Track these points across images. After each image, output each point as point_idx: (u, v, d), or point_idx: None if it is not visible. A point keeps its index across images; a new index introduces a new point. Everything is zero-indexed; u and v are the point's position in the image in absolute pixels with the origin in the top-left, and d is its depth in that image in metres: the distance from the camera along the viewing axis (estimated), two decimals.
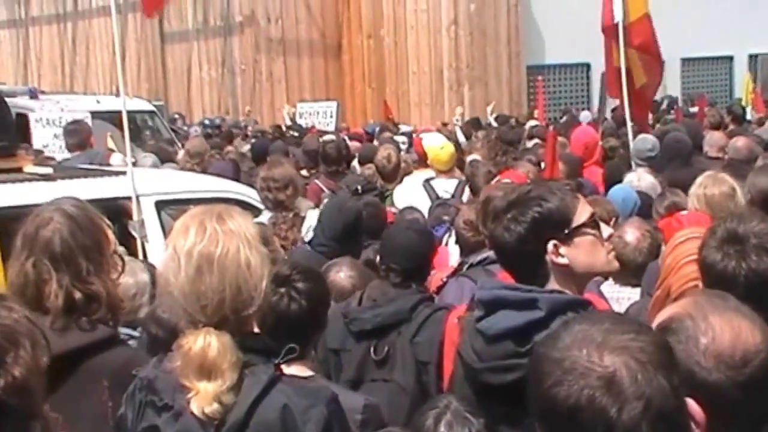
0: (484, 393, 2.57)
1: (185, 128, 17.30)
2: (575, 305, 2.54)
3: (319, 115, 18.89)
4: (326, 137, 14.49)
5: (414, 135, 13.17)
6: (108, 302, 2.81)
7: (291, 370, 2.76)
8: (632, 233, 4.72)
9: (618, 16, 9.31)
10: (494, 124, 15.12)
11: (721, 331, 1.65)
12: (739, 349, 1.65)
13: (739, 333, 1.68)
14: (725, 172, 6.59)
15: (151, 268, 4.59)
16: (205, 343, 2.24)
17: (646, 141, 8.34)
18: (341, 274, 4.23)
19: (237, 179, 7.86)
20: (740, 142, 8.08)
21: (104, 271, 2.84)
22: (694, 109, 16.68)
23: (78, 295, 2.75)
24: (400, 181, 8.21)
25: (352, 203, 5.40)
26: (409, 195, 7.46)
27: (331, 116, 19.30)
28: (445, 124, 15.13)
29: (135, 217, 5.71)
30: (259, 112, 22.02)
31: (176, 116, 19.78)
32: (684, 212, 4.25)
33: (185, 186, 6.34)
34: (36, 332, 1.63)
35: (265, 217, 5.80)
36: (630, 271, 4.63)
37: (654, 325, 1.73)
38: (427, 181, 7.53)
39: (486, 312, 2.60)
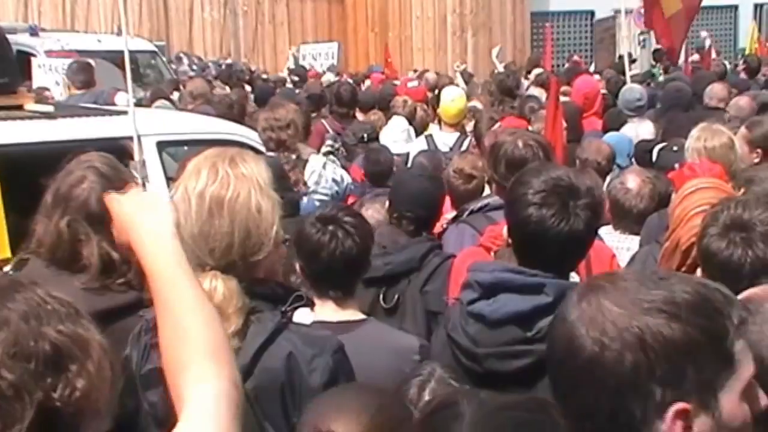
0: (480, 378, 2.47)
1: (192, 68, 17.08)
2: None
3: (321, 57, 18.77)
4: (325, 78, 14.41)
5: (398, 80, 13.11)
6: (138, 266, 2.77)
7: (344, 314, 2.88)
8: (633, 180, 4.72)
9: None
10: (500, 68, 14.97)
11: None
12: None
13: None
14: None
15: None
16: (211, 286, 2.21)
17: (633, 91, 8.32)
18: (370, 212, 4.25)
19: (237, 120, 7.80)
20: (742, 100, 8.02)
21: None
22: (695, 57, 16.51)
23: (114, 256, 2.69)
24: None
25: None
26: (408, 144, 7.50)
27: (333, 57, 19.13)
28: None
29: (136, 157, 5.64)
30: (262, 55, 21.90)
31: (181, 55, 19.57)
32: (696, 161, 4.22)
33: (186, 127, 6.28)
34: (105, 357, 1.53)
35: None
36: (631, 219, 4.62)
37: None
38: (430, 134, 7.66)
39: (484, 294, 2.51)
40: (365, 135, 8.03)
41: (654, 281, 1.37)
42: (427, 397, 2.31)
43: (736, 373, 1.35)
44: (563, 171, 2.56)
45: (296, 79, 14.85)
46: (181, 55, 19.64)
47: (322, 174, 5.83)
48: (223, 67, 17.75)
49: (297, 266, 2.96)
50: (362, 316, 2.99)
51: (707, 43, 16.88)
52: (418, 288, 3.73)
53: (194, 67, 17.53)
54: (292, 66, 17.23)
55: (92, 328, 1.54)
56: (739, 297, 1.71)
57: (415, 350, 2.89)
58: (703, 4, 23.82)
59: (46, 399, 1.41)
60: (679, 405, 1.32)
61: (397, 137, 7.61)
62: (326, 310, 2.92)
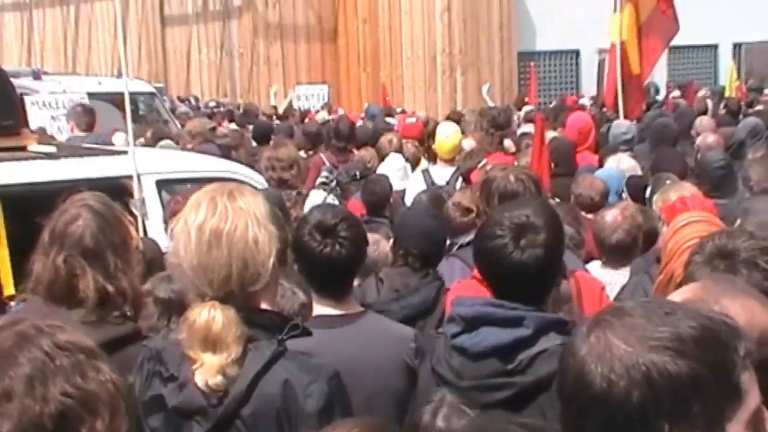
0: None
1: (189, 110, 17.18)
2: (560, 324, 2.53)
3: (313, 98, 18.98)
4: (319, 116, 14.50)
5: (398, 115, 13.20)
6: (132, 298, 2.81)
7: (343, 307, 2.98)
8: (611, 213, 4.78)
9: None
10: (490, 104, 15.11)
11: (735, 314, 1.62)
12: (755, 329, 1.63)
13: (753, 314, 1.67)
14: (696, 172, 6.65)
15: (150, 244, 4.59)
16: (210, 316, 2.24)
17: (621, 126, 8.57)
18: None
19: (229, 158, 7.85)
20: (711, 138, 8.16)
21: (129, 266, 2.85)
22: (676, 93, 16.67)
23: (111, 289, 2.75)
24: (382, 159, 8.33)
25: None
26: (404, 181, 7.55)
27: (323, 98, 19.33)
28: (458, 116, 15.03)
29: (136, 195, 5.69)
30: (257, 94, 21.96)
31: (187, 98, 19.75)
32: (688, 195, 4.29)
33: (185, 166, 6.32)
34: (119, 399, 1.50)
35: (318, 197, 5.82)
36: (609, 251, 4.66)
37: None
38: (426, 169, 7.72)
39: (466, 328, 2.54)
40: (357, 173, 8.09)
41: (660, 316, 1.37)
42: (439, 423, 2.34)
43: (743, 405, 1.35)
44: (529, 209, 2.62)
45: (277, 120, 14.97)
46: (175, 98, 19.83)
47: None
48: (231, 108, 17.87)
49: (296, 267, 3.03)
50: (361, 309, 3.10)
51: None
52: (433, 328, 3.76)
53: (190, 107, 17.64)
54: (286, 106, 17.30)
55: (104, 367, 1.51)
56: (676, 298, 1.77)
57: (411, 338, 2.98)
58: (685, 42, 24.16)
59: None
60: None
61: (393, 174, 7.66)
62: (327, 306, 3.03)
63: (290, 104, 17.58)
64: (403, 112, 15.32)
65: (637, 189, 6.25)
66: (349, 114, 17.23)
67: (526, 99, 14.89)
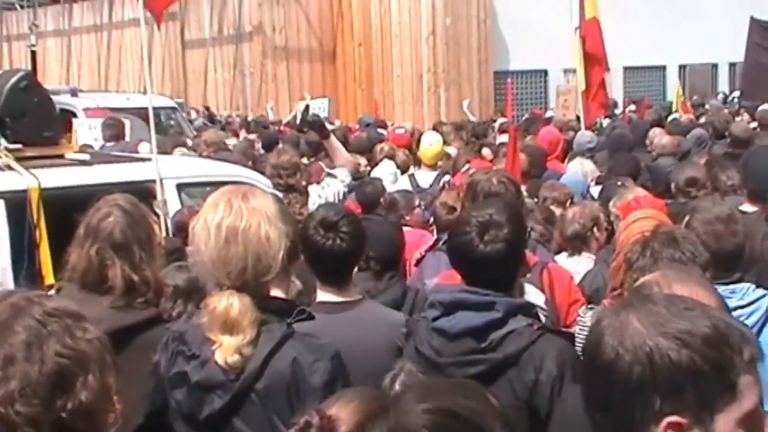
0: None
1: (205, 121, 17.10)
2: (526, 308, 2.59)
3: (315, 110, 18.88)
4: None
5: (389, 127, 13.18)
6: (155, 286, 2.81)
7: (344, 295, 2.98)
8: (572, 209, 4.84)
9: (575, 20, 9.61)
10: (472, 118, 15.12)
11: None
12: None
13: (697, 298, 1.67)
14: (654, 165, 6.70)
15: (169, 240, 4.57)
16: (228, 303, 2.25)
17: (585, 135, 8.88)
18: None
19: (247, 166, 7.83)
20: (665, 139, 8.21)
21: (153, 259, 2.84)
22: (631, 107, 16.76)
23: (136, 278, 2.75)
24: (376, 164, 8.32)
25: None
26: (395, 185, 7.56)
27: (324, 110, 19.22)
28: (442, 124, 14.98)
29: (159, 197, 5.68)
30: (265, 109, 21.89)
31: (203, 110, 19.64)
32: (642, 195, 4.32)
33: (202, 171, 6.29)
34: (105, 354, 1.53)
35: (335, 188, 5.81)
36: (572, 240, 4.70)
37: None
38: (412, 174, 7.66)
39: (444, 312, 2.57)
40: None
41: (680, 310, 1.37)
42: (397, 387, 2.34)
43: (737, 402, 1.33)
44: (493, 208, 2.66)
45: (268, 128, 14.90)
46: (192, 111, 19.68)
47: (322, 194, 5.90)
48: (247, 119, 17.78)
49: (303, 258, 3.04)
50: (359, 296, 3.09)
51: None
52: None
53: (206, 120, 17.57)
54: (272, 118, 17.19)
55: (90, 327, 1.51)
56: (636, 284, 1.77)
57: (402, 323, 2.97)
58: (638, 64, 24.26)
59: (58, 419, 1.41)
60: (674, 418, 1.32)
61: (386, 178, 7.67)
62: (329, 294, 3.03)
63: (306, 111, 17.43)
64: (392, 124, 15.30)
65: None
66: (346, 125, 17.26)
67: (504, 112, 14.88)
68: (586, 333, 3.27)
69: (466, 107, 16.31)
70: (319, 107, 19.08)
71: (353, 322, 2.94)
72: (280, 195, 5.69)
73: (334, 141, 6.35)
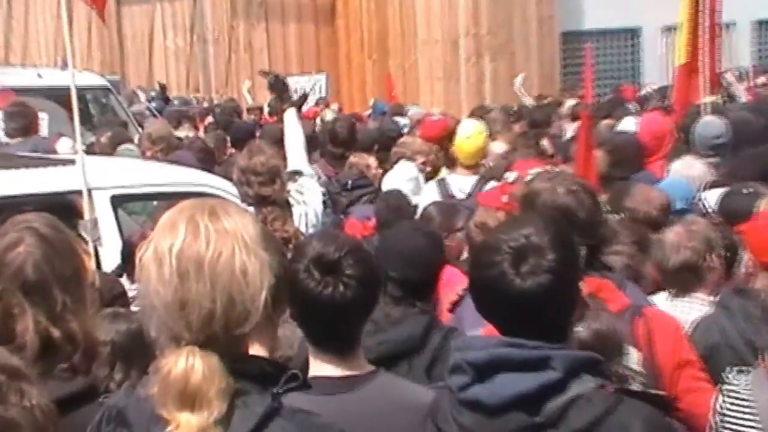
0: None
1: (150, 107, 17.22)
2: (593, 364, 2.60)
3: (307, 91, 18.94)
4: (328, 116, 14.53)
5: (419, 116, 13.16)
6: (85, 345, 2.79)
7: (348, 366, 2.95)
8: (672, 231, 4.79)
9: None
10: (527, 101, 15.12)
11: None
12: None
13: None
14: None
15: (109, 279, 4.57)
16: (188, 365, 2.24)
17: (712, 125, 8.06)
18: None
19: (207, 169, 7.87)
20: None
21: (82, 306, 2.82)
22: (763, 80, 16.58)
23: (57, 334, 2.72)
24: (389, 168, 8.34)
25: None
26: (416, 196, 7.55)
27: (320, 92, 19.32)
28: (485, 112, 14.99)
29: (86, 215, 5.71)
30: (237, 89, 21.97)
31: (138, 91, 19.75)
32: None
33: (147, 178, 6.39)
34: (48, 427, 1.55)
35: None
36: (672, 277, 4.65)
37: None
38: (443, 179, 7.80)
39: (477, 377, 2.58)
40: (349, 182, 8.13)
41: None
42: None
43: None
44: (530, 227, 2.68)
45: (253, 117, 15.05)
46: (137, 90, 19.81)
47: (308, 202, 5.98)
48: (212, 104, 17.95)
49: (288, 310, 2.99)
50: (370, 368, 3.02)
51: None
52: (422, 371, 3.68)
53: (153, 105, 17.66)
54: (251, 103, 17.35)
55: (30, 391, 1.56)
56: None
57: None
58: None
59: None
60: None
61: (403, 186, 7.64)
62: (327, 365, 2.98)
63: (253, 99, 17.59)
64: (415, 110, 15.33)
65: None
66: (353, 112, 17.29)
67: (579, 91, 14.83)
68: (743, 409, 3.22)
69: (520, 85, 16.35)
70: (313, 87, 19.26)
71: (363, 406, 2.89)
72: (249, 209, 5.72)
73: (290, 116, 6.51)
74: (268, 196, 5.73)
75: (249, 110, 15.96)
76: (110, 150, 9.35)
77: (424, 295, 4.02)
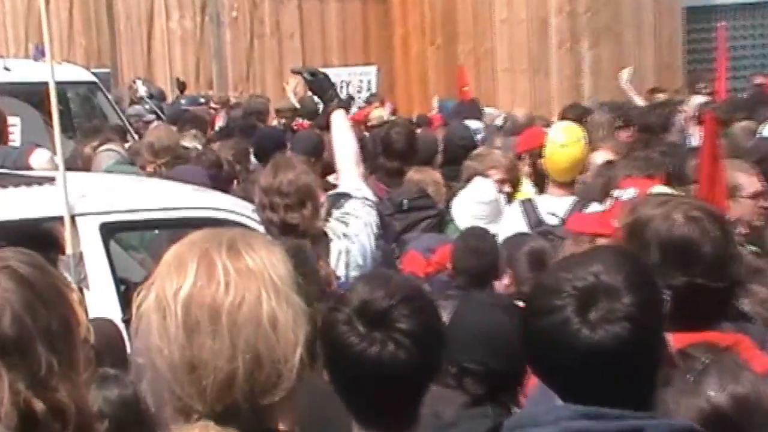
0: None
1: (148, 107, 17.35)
2: None
3: (349, 88, 18.89)
4: (376, 115, 14.55)
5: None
6: (77, 421, 2.80)
7: None
8: None
9: None
10: (637, 100, 15.02)
11: None
12: None
13: None
14: None
15: (108, 329, 4.61)
16: None
17: None
18: None
19: (224, 189, 7.91)
20: None
21: (73, 369, 2.79)
22: None
23: (40, 406, 2.71)
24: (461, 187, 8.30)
25: None
26: (498, 219, 7.53)
27: (369, 90, 19.29)
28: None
29: (69, 249, 5.75)
30: (260, 83, 22.10)
31: (137, 84, 19.81)
32: None
33: (148, 201, 6.41)
34: None
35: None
36: None
37: None
38: (529, 199, 7.76)
39: None
40: (405, 201, 8.12)
41: None
42: None
43: None
44: (600, 264, 2.70)
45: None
46: (138, 83, 19.79)
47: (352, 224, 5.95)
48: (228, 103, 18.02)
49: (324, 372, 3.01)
50: None
51: None
52: None
53: (148, 105, 17.76)
54: (297, 106, 17.25)
55: None
56: None
57: None
58: None
59: None
60: None
61: (477, 211, 7.63)
62: None
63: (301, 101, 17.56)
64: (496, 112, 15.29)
65: None
66: (408, 112, 17.27)
67: (709, 86, 14.75)
68: None
69: (628, 79, 16.24)
70: (362, 82, 19.25)
71: None
72: (273, 240, 5.74)
73: (339, 120, 6.47)
74: (295, 224, 5.74)
75: (278, 112, 15.93)
76: (88, 158, 9.43)
77: (512, 390, 4.05)
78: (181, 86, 20.59)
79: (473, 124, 12.72)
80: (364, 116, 15.14)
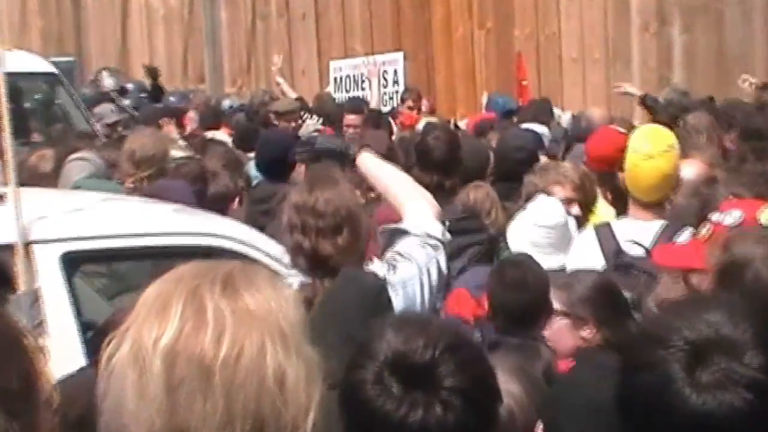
0: None
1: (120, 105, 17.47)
2: None
3: (367, 83, 18.95)
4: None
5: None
6: None
7: None
8: None
9: None
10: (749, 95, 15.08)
11: None
12: None
13: None
14: None
15: (72, 387, 4.61)
16: None
17: None
18: None
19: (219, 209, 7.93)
20: None
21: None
22: None
23: None
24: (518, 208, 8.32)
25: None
26: (565, 249, 7.53)
27: (395, 82, 19.34)
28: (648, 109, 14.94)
29: (21, 285, 5.76)
30: (263, 76, 22.24)
31: (104, 75, 19.91)
32: None
33: (122, 225, 6.46)
34: None
35: None
36: None
37: None
38: (607, 224, 7.70)
39: None
40: (448, 222, 8.12)
41: None
42: None
43: None
44: (720, 312, 2.71)
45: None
46: (104, 74, 19.88)
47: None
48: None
49: None
50: None
51: None
52: None
53: (126, 102, 17.89)
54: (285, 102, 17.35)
55: None
56: None
57: None
58: None
59: None
60: None
61: (538, 237, 7.62)
62: None
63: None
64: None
65: None
66: (450, 112, 17.31)
67: None
68: None
69: (745, 82, 16.26)
70: (386, 73, 19.31)
71: None
72: (304, 280, 5.73)
73: (370, 160, 6.44)
74: (327, 255, 5.74)
75: (280, 115, 15.95)
76: (53, 171, 9.50)
77: None
78: (153, 74, 20.60)
79: (536, 128, 12.75)
80: (411, 123, 15.23)
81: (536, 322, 6.06)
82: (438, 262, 6.10)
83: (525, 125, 13.11)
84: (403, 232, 6.22)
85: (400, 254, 6.01)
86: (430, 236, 6.14)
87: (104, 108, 16.84)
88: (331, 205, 5.76)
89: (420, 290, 5.94)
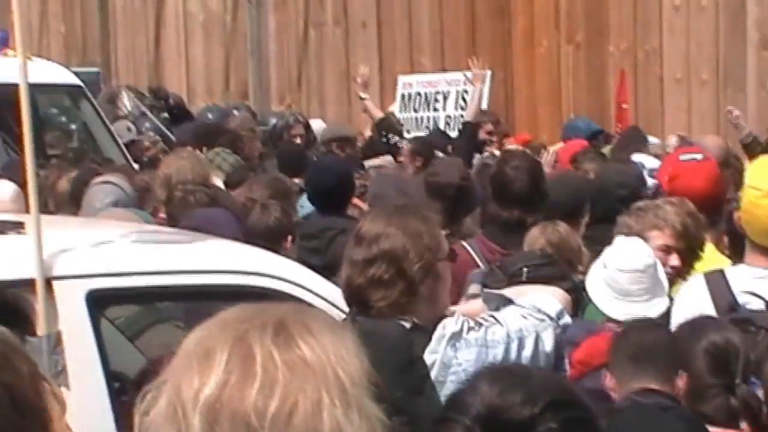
0: None
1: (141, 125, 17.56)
2: None
3: (445, 101, 19.01)
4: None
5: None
6: None
7: None
8: None
9: None
10: None
11: None
12: None
13: None
14: None
15: None
16: None
17: None
18: None
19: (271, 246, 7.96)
20: None
21: None
22: None
23: None
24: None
25: None
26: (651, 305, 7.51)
27: (481, 98, 19.37)
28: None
29: (42, 327, 5.79)
30: (317, 92, 22.30)
31: (122, 92, 20.03)
32: None
33: (156, 260, 6.47)
34: None
35: None
36: None
37: None
38: (720, 271, 7.60)
39: None
40: (524, 269, 8.14)
41: None
42: None
43: None
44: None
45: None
46: (125, 94, 20.01)
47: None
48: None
49: None
50: None
51: None
52: None
53: (145, 123, 17.99)
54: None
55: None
56: None
57: None
58: None
59: None
60: None
61: (620, 283, 7.59)
62: None
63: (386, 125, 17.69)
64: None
65: None
66: (530, 135, 17.32)
67: None
68: None
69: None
70: (465, 93, 19.33)
71: None
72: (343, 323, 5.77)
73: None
74: (402, 303, 5.75)
75: (338, 143, 16.05)
76: (76, 204, 9.56)
77: None
78: (162, 95, 20.67)
79: (645, 161, 12.73)
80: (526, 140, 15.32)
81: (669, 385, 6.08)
82: (541, 339, 6.10)
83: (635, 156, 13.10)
84: (509, 301, 6.26)
85: (493, 317, 6.04)
86: (539, 311, 6.15)
87: (119, 126, 16.94)
88: (405, 238, 5.77)
89: (505, 357, 5.93)
